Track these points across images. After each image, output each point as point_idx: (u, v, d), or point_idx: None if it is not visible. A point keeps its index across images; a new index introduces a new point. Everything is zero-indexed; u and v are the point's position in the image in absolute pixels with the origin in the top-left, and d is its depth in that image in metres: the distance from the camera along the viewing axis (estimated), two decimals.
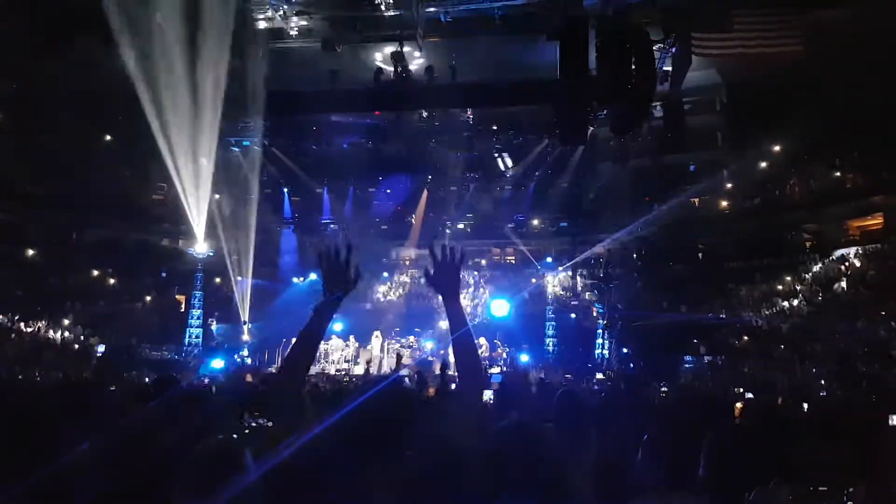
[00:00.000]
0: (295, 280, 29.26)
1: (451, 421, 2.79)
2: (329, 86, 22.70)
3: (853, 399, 12.02)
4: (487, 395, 9.26)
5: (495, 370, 21.14)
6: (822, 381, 18.66)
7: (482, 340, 24.11)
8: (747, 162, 28.00)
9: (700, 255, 29.63)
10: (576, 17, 18.13)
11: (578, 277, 30.66)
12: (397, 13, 21.63)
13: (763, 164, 28.37)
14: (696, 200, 29.83)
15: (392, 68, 21.93)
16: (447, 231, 30.56)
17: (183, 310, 27.36)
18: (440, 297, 3.00)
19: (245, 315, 26.36)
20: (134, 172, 28.48)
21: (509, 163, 29.36)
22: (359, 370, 23.15)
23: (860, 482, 2.14)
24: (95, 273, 27.66)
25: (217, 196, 26.65)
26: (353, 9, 21.26)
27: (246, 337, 26.32)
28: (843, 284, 23.51)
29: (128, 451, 1.97)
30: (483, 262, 33.09)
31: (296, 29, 22.74)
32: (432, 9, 21.33)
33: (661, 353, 23.63)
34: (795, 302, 24.25)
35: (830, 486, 1.90)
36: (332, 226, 31.06)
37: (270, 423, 6.45)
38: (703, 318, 25.17)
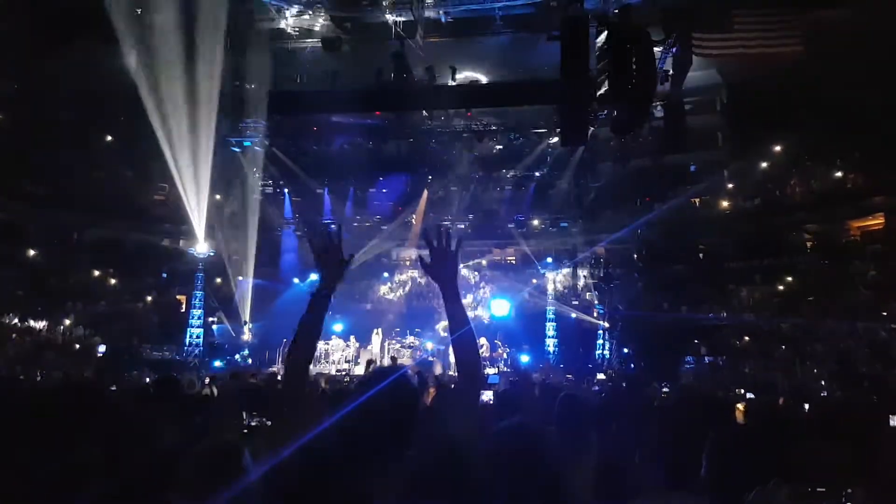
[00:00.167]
0: (296, 281, 29.26)
1: (452, 421, 2.79)
2: (329, 86, 22.72)
3: (854, 399, 12.01)
4: (488, 395, 9.26)
5: (492, 371, 21.16)
6: (823, 382, 18.67)
7: (483, 340, 24.11)
8: (748, 162, 28.01)
9: (701, 255, 29.62)
10: (576, 17, 18.12)
11: (579, 278, 30.66)
12: (398, 13, 21.66)
13: (764, 165, 28.37)
14: (697, 201, 29.83)
15: (392, 68, 21.94)
16: (448, 228, 30.46)
17: (183, 310, 27.38)
18: (440, 293, 2.97)
19: (246, 315, 26.38)
20: (135, 172, 28.51)
21: None
22: (359, 370, 23.14)
23: (860, 482, 2.14)
24: (96, 273, 27.68)
25: (218, 196, 26.68)
26: (354, 9, 21.29)
27: (246, 337, 26.32)
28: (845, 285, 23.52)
29: (128, 451, 1.97)
30: (483, 262, 33.09)
31: (297, 29, 22.78)
32: (433, 9, 21.36)
33: (662, 354, 23.62)
34: (796, 302, 24.24)
35: (831, 487, 1.91)
36: (332, 226, 31.05)
37: (270, 423, 6.46)
38: (704, 319, 25.19)
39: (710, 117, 27.95)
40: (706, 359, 23.49)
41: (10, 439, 1.92)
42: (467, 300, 29.52)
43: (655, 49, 19.18)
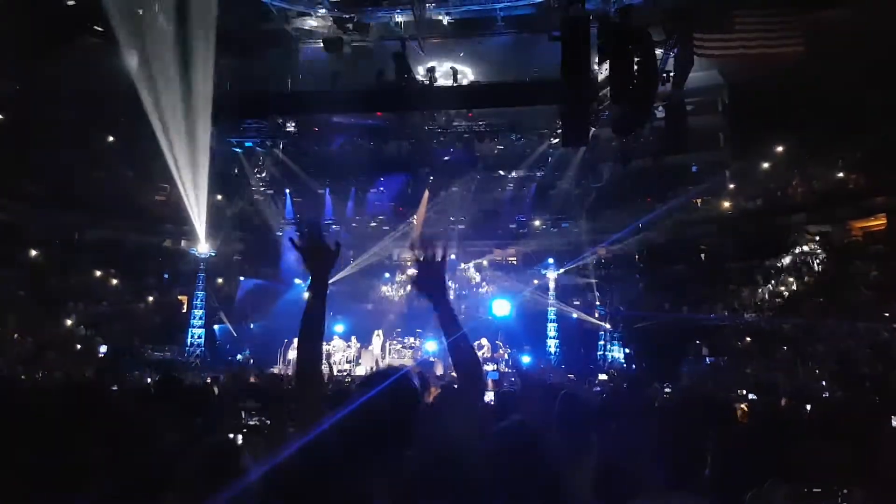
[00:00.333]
0: (297, 281, 29.28)
1: (453, 421, 2.79)
2: (330, 86, 22.73)
3: (855, 400, 11.99)
4: (489, 396, 9.25)
5: (490, 367, 21.18)
6: (824, 383, 18.66)
7: (484, 341, 24.11)
8: (749, 162, 27.99)
9: (702, 255, 29.61)
10: (577, 17, 18.11)
11: (580, 278, 30.64)
12: (399, 14, 21.68)
13: (765, 165, 28.35)
14: (698, 201, 29.80)
15: (394, 69, 21.94)
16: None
17: (185, 310, 27.41)
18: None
19: (247, 316, 26.41)
20: (136, 173, 28.53)
21: None
22: (361, 371, 23.14)
23: (859, 483, 2.14)
24: (97, 273, 27.69)
25: (219, 197, 26.70)
26: (356, 9, 21.30)
27: (248, 337, 26.35)
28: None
29: (129, 451, 1.97)
30: (484, 262, 33.10)
31: (298, 30, 22.79)
32: (434, 9, 21.37)
33: (664, 354, 23.61)
34: (798, 303, 24.23)
35: (830, 487, 1.91)
36: (333, 226, 31.06)
37: (269, 422, 6.47)
38: (706, 319, 25.17)
39: (711, 118, 27.93)
40: (707, 359, 23.47)
41: (11, 439, 1.92)
42: (468, 302, 29.59)
43: (656, 49, 19.19)
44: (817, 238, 26.12)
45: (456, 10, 21.46)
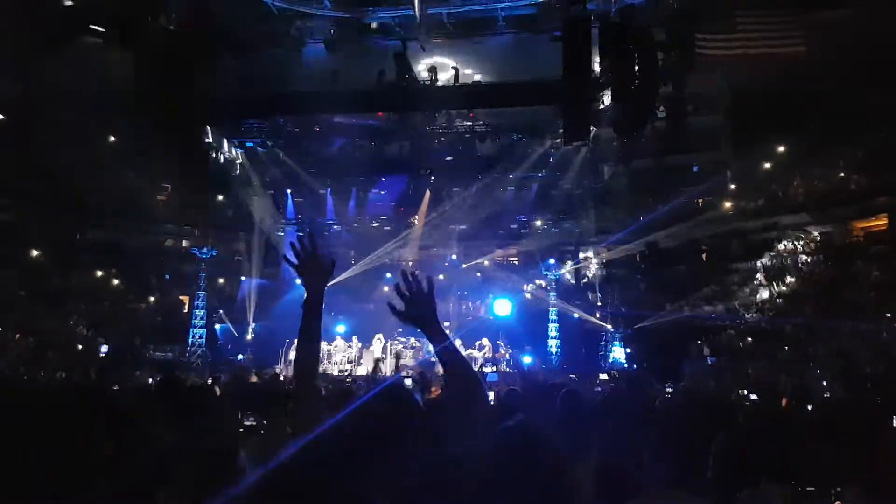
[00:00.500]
0: (298, 282, 29.26)
1: (454, 422, 2.78)
2: (331, 87, 22.73)
3: (857, 400, 11.97)
4: (489, 396, 9.25)
5: (490, 369, 21.19)
6: (825, 383, 18.63)
7: (485, 341, 24.12)
8: (751, 162, 27.95)
9: (703, 255, 29.59)
10: (578, 17, 18.13)
11: (581, 278, 30.64)
12: (400, 14, 21.68)
13: (766, 165, 28.31)
14: (700, 201, 29.77)
15: (395, 69, 21.95)
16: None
17: (186, 310, 27.42)
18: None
19: (249, 315, 26.41)
20: (137, 173, 28.54)
21: None
22: (362, 371, 23.14)
23: (857, 482, 2.14)
24: (99, 273, 27.71)
25: (221, 197, 26.71)
26: (357, 10, 21.32)
27: (249, 337, 26.35)
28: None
29: (129, 451, 1.97)
30: (486, 262, 33.09)
31: (299, 30, 22.79)
32: (435, 9, 21.38)
33: (665, 355, 23.60)
34: (799, 303, 24.21)
35: (824, 487, 1.90)
36: (334, 226, 31.08)
37: (265, 422, 6.46)
38: (707, 319, 25.15)
39: (712, 118, 27.91)
40: (709, 359, 23.45)
41: (11, 440, 1.92)
42: (469, 302, 29.60)
43: (658, 50, 19.19)
44: (819, 238, 26.13)
45: (457, 11, 21.46)
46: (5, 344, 21.76)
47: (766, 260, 27.04)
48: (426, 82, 22.83)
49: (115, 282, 27.88)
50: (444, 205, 31.10)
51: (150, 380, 15.52)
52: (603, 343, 26.12)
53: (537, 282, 29.70)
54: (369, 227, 30.96)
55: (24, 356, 21.16)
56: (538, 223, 31.62)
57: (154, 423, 2.30)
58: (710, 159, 28.89)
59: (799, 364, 20.67)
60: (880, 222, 24.83)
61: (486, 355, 23.63)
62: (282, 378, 17.95)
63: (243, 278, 26.71)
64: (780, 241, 27.00)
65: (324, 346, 24.02)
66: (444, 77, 23.84)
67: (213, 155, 26.13)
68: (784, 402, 9.88)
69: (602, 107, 20.72)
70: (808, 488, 1.91)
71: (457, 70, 23.36)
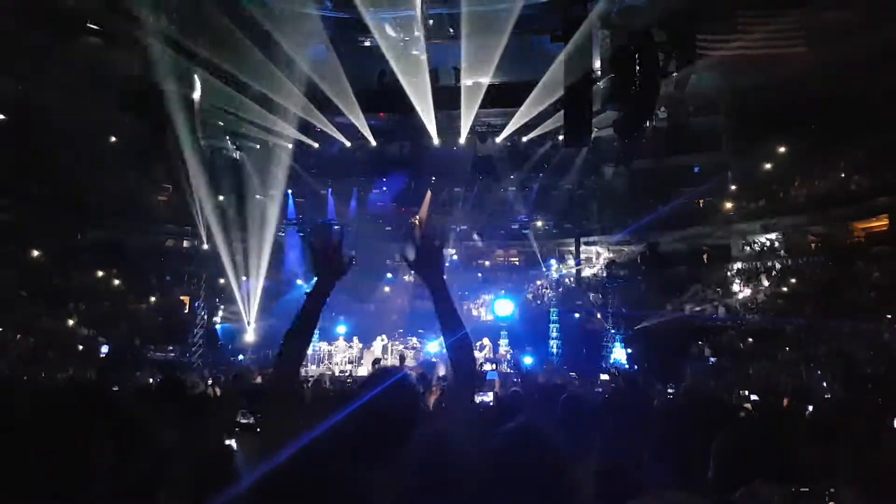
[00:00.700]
0: (299, 282, 29.27)
1: (454, 422, 2.78)
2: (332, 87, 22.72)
3: (857, 401, 11.97)
4: (489, 396, 9.25)
5: (489, 367, 21.17)
6: (825, 384, 18.63)
7: (486, 341, 24.11)
8: (751, 163, 27.95)
9: (704, 256, 29.61)
10: (580, 18, 18.12)
11: (582, 279, 30.65)
12: (401, 14, 21.67)
13: (767, 166, 28.31)
14: (700, 202, 29.78)
15: (395, 69, 21.95)
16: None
17: (187, 310, 27.41)
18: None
19: (249, 316, 26.40)
20: (138, 173, 28.55)
21: None
22: (363, 371, 23.14)
23: (856, 483, 2.14)
24: (99, 274, 27.72)
25: (221, 197, 26.71)
26: (357, 10, 21.29)
27: (250, 337, 26.34)
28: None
29: (128, 452, 1.97)
30: (487, 262, 33.11)
31: (300, 30, 22.74)
32: (436, 10, 21.37)
33: (666, 355, 23.60)
34: (800, 304, 24.21)
35: (818, 487, 1.90)
36: (335, 227, 31.07)
37: (263, 420, 6.45)
38: (708, 319, 25.16)
39: (713, 118, 27.93)
40: (710, 360, 23.46)
41: (11, 440, 1.92)
42: (469, 303, 29.58)
43: (658, 50, 19.18)
44: (820, 239, 26.15)
45: (457, 11, 21.44)
46: (5, 344, 21.77)
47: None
48: (426, 83, 22.86)
49: (116, 282, 27.89)
50: (445, 205, 31.14)
51: (151, 380, 15.53)
52: (604, 343, 26.10)
53: (538, 282, 29.72)
54: (370, 227, 30.97)
55: (24, 356, 21.17)
56: (539, 223, 31.64)
57: (154, 423, 2.30)
58: (710, 160, 28.90)
59: (799, 364, 20.67)
60: (881, 223, 24.82)
61: (486, 355, 23.64)
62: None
63: (244, 278, 26.68)
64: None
65: (324, 346, 24.04)
66: (445, 77, 23.86)
67: (214, 155, 26.19)
68: (786, 402, 9.89)
69: (602, 107, 20.70)
70: (801, 489, 1.90)
71: (457, 70, 23.35)
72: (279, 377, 2.73)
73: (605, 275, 28.41)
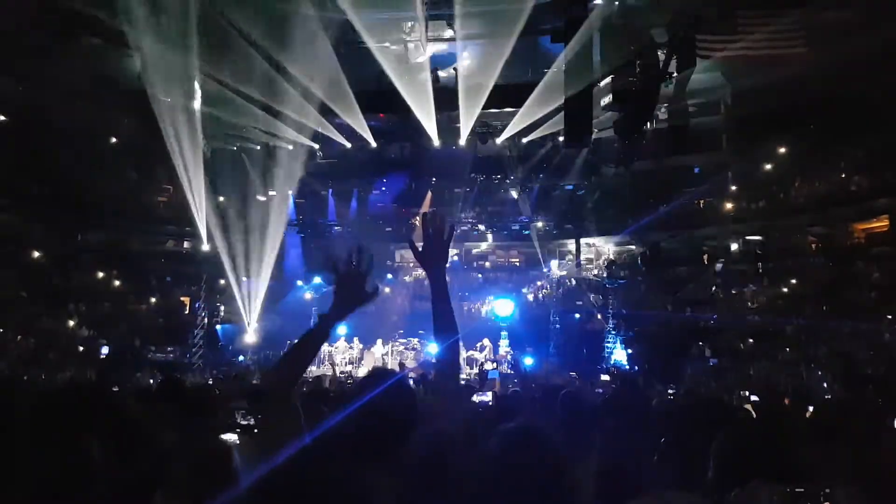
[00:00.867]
0: (299, 283, 29.27)
1: (451, 422, 2.78)
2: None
3: (857, 401, 11.97)
4: (488, 396, 9.25)
5: (490, 366, 21.18)
6: (825, 384, 18.64)
7: (486, 341, 24.12)
8: (752, 164, 27.95)
9: (705, 257, 29.59)
10: (580, 18, 18.11)
11: (583, 279, 30.63)
12: (401, 14, 21.65)
13: (768, 167, 28.30)
14: (701, 202, 29.77)
15: (395, 70, 21.93)
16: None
17: (187, 311, 27.41)
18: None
19: (250, 316, 26.39)
20: (138, 173, 28.55)
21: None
22: (362, 372, 23.13)
23: (856, 483, 2.14)
24: (100, 274, 27.72)
25: (222, 198, 26.71)
26: (357, 11, 21.27)
27: (251, 338, 26.34)
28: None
29: (126, 452, 1.97)
30: (487, 263, 33.10)
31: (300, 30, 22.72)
32: (436, 10, 21.34)
33: (666, 356, 23.60)
34: (800, 304, 24.22)
35: (814, 487, 1.90)
36: (335, 228, 31.06)
37: (261, 421, 6.44)
38: (708, 320, 25.15)
39: (713, 119, 27.89)
40: (710, 361, 23.46)
41: (11, 440, 1.92)
42: (470, 303, 29.59)
43: (658, 50, 19.18)
44: (820, 240, 26.15)
45: (458, 10, 21.43)
46: (5, 344, 21.78)
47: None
48: (427, 83, 22.86)
49: (116, 282, 27.90)
50: (445, 205, 31.11)
51: (151, 381, 15.54)
52: (604, 344, 26.10)
53: (538, 283, 29.71)
54: (370, 228, 30.97)
55: (24, 357, 21.17)
56: (539, 224, 31.64)
57: (154, 423, 2.30)
58: (711, 160, 28.88)
59: (799, 365, 20.68)
60: (881, 224, 24.82)
61: (486, 356, 23.65)
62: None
63: (245, 279, 26.67)
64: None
65: (325, 347, 24.02)
66: (445, 78, 23.84)
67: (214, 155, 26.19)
68: (787, 402, 9.90)
69: (602, 108, 20.69)
70: (797, 489, 1.90)
71: (457, 70, 23.34)
72: (279, 384, 2.73)
73: (605, 275, 28.40)
